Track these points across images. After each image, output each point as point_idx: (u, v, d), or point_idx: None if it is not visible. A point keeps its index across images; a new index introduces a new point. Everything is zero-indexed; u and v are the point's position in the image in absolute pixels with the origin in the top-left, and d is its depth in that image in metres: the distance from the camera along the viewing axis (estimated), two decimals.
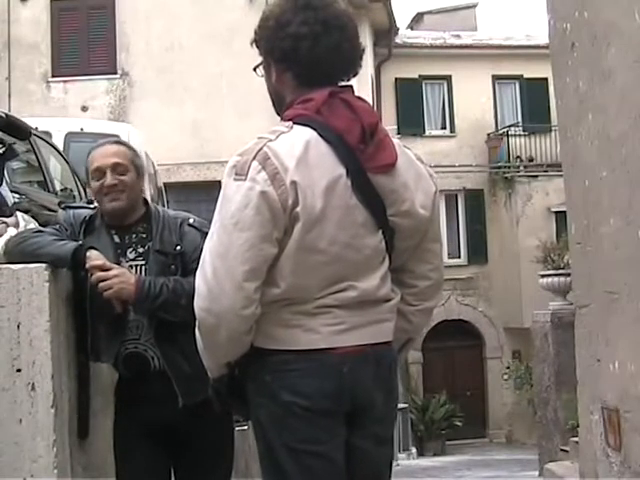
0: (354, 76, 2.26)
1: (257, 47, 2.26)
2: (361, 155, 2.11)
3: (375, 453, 2.20)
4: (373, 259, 2.16)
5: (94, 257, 2.77)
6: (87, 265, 2.76)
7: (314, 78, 2.17)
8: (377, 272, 2.16)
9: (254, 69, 2.30)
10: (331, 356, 2.08)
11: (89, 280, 2.78)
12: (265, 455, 2.15)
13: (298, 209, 2.03)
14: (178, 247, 2.93)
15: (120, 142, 3.15)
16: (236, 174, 2.06)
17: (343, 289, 2.11)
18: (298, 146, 2.07)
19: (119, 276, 2.77)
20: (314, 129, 2.09)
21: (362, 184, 2.11)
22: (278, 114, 2.27)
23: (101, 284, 2.74)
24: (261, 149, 2.06)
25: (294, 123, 2.12)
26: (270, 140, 2.08)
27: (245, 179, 2.04)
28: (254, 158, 2.05)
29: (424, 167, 2.28)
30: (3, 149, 2.57)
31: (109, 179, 2.89)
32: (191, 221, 3.02)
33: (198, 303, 2.09)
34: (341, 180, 2.08)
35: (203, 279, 2.07)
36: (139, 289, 2.78)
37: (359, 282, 2.12)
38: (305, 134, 2.09)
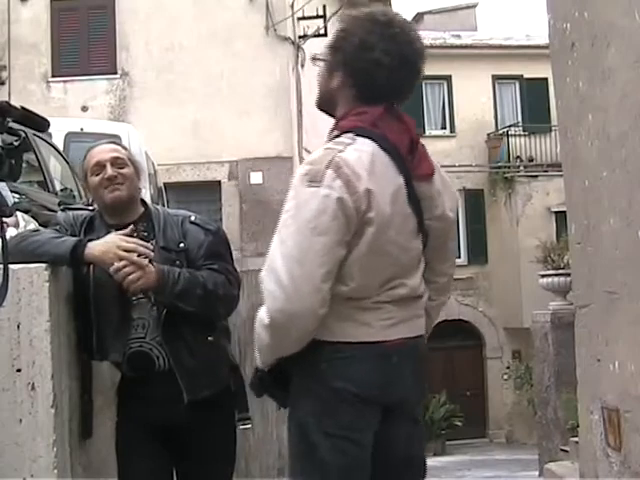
0: (401, 104, 2.40)
1: (331, 51, 2.37)
2: (409, 165, 2.27)
3: (411, 431, 2.35)
4: (416, 259, 2.34)
5: (122, 243, 2.78)
6: (118, 252, 2.76)
7: (373, 98, 2.30)
8: (419, 271, 2.35)
9: (313, 59, 2.49)
10: (382, 348, 2.23)
11: (112, 272, 2.77)
12: (301, 439, 2.26)
13: (372, 215, 2.17)
14: (181, 244, 2.95)
15: (115, 143, 3.18)
16: (309, 181, 2.16)
17: (395, 286, 2.26)
18: (366, 157, 2.20)
19: (143, 268, 2.78)
20: (374, 141, 2.23)
21: (412, 193, 2.28)
22: (320, 108, 2.43)
23: (128, 274, 2.76)
24: (333, 159, 2.17)
25: (355, 135, 2.25)
26: (340, 151, 2.19)
27: (320, 186, 2.15)
28: (328, 167, 2.16)
29: (443, 173, 2.46)
30: (19, 142, 2.58)
31: (109, 171, 2.92)
32: (192, 218, 3.04)
33: (272, 306, 2.18)
34: (401, 190, 2.25)
35: (277, 283, 2.16)
36: (160, 276, 2.80)
37: (408, 280, 2.30)
38: (368, 146, 2.22)
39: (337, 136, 2.27)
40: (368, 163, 2.19)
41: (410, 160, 2.28)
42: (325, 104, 2.41)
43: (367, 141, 2.23)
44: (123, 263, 2.75)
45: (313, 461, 2.22)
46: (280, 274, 2.15)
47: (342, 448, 2.20)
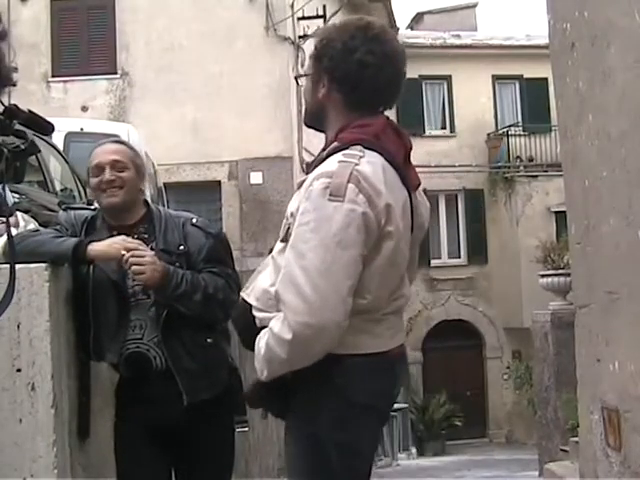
0: (390, 108, 2.40)
1: (315, 61, 2.36)
2: (406, 175, 2.29)
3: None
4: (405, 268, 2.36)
5: (127, 240, 2.81)
6: (124, 243, 2.78)
7: (363, 104, 2.30)
8: (407, 279, 2.38)
9: (296, 78, 2.41)
10: (389, 357, 2.28)
11: (123, 261, 2.78)
12: (312, 454, 2.23)
13: (391, 228, 2.18)
14: (181, 247, 2.94)
15: (122, 142, 3.18)
16: (331, 195, 2.14)
17: (398, 297, 2.31)
18: (379, 171, 2.20)
19: (154, 263, 2.79)
20: (380, 154, 2.23)
21: (412, 204, 2.31)
22: (306, 124, 2.45)
23: (135, 268, 2.77)
24: (352, 173, 2.15)
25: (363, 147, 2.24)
26: (356, 164, 2.17)
27: (343, 200, 2.13)
28: (349, 181, 2.14)
29: None
30: (25, 145, 2.59)
31: (107, 175, 2.91)
32: (194, 221, 3.03)
33: (295, 319, 2.12)
34: (407, 202, 2.28)
35: (299, 296, 2.11)
36: (165, 274, 2.81)
37: (405, 290, 2.34)
38: (378, 159, 2.22)
39: (343, 148, 2.22)
40: (383, 176, 2.18)
41: (406, 171, 2.30)
42: (314, 118, 2.39)
43: (375, 154, 2.22)
44: (130, 253, 2.76)
45: (324, 476, 2.21)
46: (303, 288, 2.10)
47: (354, 463, 2.22)
